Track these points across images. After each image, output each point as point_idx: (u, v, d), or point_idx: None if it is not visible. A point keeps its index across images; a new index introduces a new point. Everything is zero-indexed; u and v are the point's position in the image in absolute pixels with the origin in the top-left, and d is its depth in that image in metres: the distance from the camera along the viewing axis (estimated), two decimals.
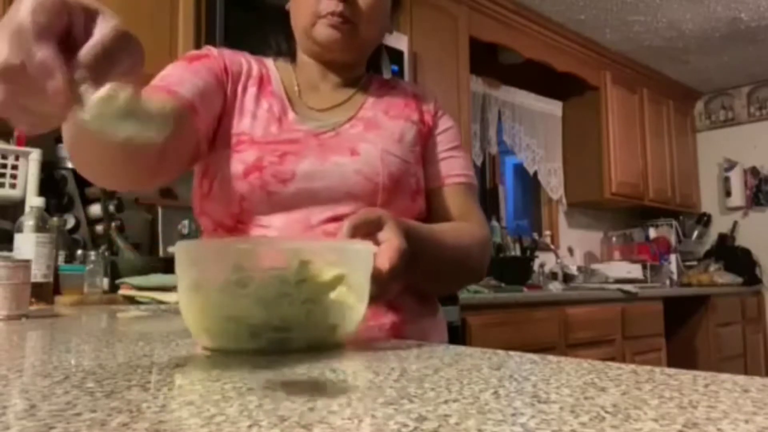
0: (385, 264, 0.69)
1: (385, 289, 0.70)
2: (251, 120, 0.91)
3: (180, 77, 0.87)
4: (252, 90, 0.94)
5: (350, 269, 0.60)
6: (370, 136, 0.93)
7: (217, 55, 0.95)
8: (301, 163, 0.88)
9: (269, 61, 1.00)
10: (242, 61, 0.97)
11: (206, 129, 0.88)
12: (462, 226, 0.95)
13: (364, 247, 0.64)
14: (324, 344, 0.60)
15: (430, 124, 1.00)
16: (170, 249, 0.66)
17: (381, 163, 0.89)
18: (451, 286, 1.01)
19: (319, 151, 0.89)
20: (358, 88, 0.99)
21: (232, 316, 0.57)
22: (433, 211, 0.97)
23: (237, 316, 0.57)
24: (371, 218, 0.74)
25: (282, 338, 0.58)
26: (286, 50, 1.00)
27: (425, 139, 0.99)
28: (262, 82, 0.96)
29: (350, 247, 0.65)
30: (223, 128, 0.91)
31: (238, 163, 0.87)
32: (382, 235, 0.73)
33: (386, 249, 0.70)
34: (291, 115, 0.93)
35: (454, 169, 0.99)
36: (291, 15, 0.96)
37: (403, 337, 0.86)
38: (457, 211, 0.96)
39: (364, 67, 1.02)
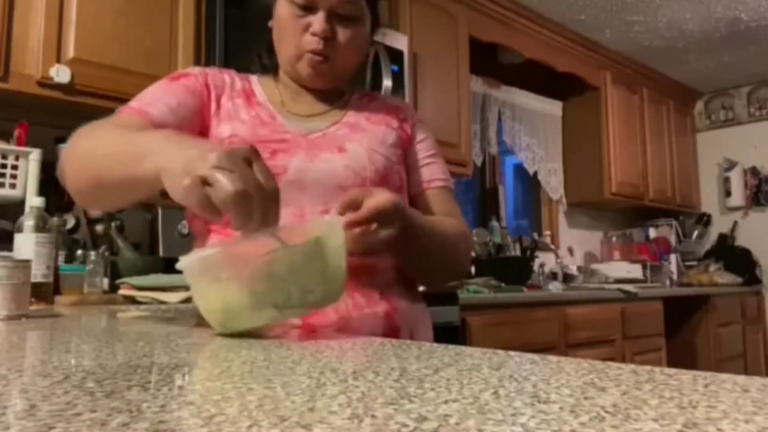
0: (374, 202, 0.79)
1: (382, 235, 0.81)
2: (240, 124, 0.96)
3: (155, 97, 0.94)
4: (239, 101, 0.99)
5: (325, 236, 0.71)
6: (356, 137, 0.98)
7: (198, 73, 1.01)
8: (291, 159, 0.93)
9: (253, 78, 1.05)
10: (225, 77, 1.03)
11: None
12: (448, 220, 1.03)
13: (332, 218, 0.76)
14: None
15: (408, 132, 1.07)
16: (177, 266, 0.70)
17: (368, 160, 0.95)
18: (437, 273, 1.05)
19: (308, 149, 0.95)
20: (340, 101, 1.05)
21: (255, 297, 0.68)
22: None
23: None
24: (356, 196, 0.81)
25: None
26: (269, 64, 1.05)
27: (405, 144, 1.05)
28: (247, 95, 1.01)
29: (319, 222, 0.78)
30: (212, 135, 0.97)
31: None
32: (370, 199, 0.81)
33: (374, 200, 0.80)
34: (279, 118, 0.99)
35: (434, 174, 1.07)
36: (274, 36, 1.00)
37: (395, 325, 0.93)
38: (441, 212, 1.04)
39: (344, 85, 1.07)
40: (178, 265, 0.70)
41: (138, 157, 0.70)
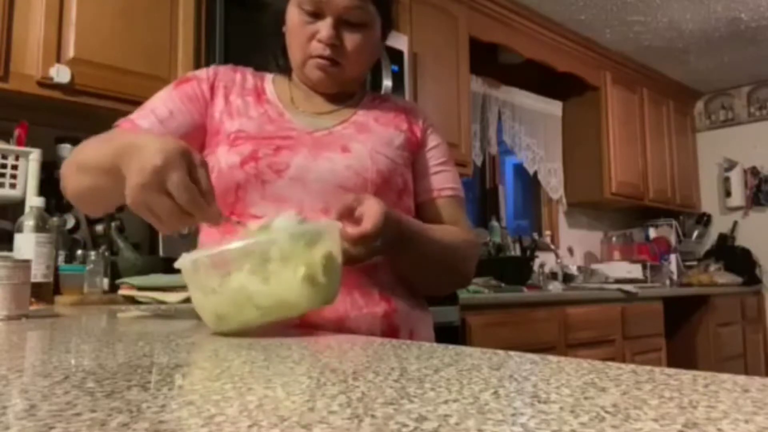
0: (367, 224, 0.79)
1: (370, 247, 0.82)
2: (247, 120, 0.97)
3: (150, 108, 0.98)
4: (249, 99, 1.00)
5: (323, 244, 0.73)
6: (361, 137, 0.98)
7: (205, 77, 1.02)
8: (295, 157, 0.93)
9: (268, 76, 1.06)
10: (237, 75, 1.04)
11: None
12: (451, 228, 1.02)
13: (331, 222, 0.77)
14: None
15: (419, 137, 1.06)
16: (176, 265, 0.73)
17: (370, 160, 0.95)
18: (439, 282, 1.05)
19: (312, 147, 0.95)
20: (350, 101, 1.05)
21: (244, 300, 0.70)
22: (427, 221, 1.03)
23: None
24: (349, 201, 0.83)
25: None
26: (284, 65, 1.06)
27: (414, 148, 1.05)
28: (258, 92, 1.02)
29: (318, 224, 0.79)
30: (217, 130, 0.98)
31: (234, 155, 0.92)
32: (361, 208, 0.82)
33: (366, 213, 0.81)
34: (287, 115, 0.99)
35: (444, 183, 1.06)
36: (287, 41, 1.01)
37: (394, 326, 0.92)
38: (449, 221, 1.04)
39: (356, 87, 1.08)
40: (176, 264, 0.73)
41: (112, 157, 0.77)
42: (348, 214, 0.82)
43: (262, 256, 0.70)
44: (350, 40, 0.95)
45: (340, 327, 0.85)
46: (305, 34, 0.95)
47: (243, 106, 0.99)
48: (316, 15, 0.94)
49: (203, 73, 1.03)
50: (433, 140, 1.08)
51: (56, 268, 1.52)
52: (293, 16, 0.96)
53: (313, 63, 0.96)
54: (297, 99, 1.02)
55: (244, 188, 0.91)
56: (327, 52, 0.94)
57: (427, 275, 0.99)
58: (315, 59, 0.96)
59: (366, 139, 0.97)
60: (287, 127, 0.97)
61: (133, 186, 0.67)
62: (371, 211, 0.81)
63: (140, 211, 0.69)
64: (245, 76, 1.04)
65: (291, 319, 0.78)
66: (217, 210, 0.71)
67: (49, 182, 1.80)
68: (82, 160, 0.88)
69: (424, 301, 1.04)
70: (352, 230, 0.80)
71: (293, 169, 0.92)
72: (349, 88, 1.04)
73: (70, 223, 1.82)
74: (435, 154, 1.07)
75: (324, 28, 0.93)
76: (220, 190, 0.91)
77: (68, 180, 0.93)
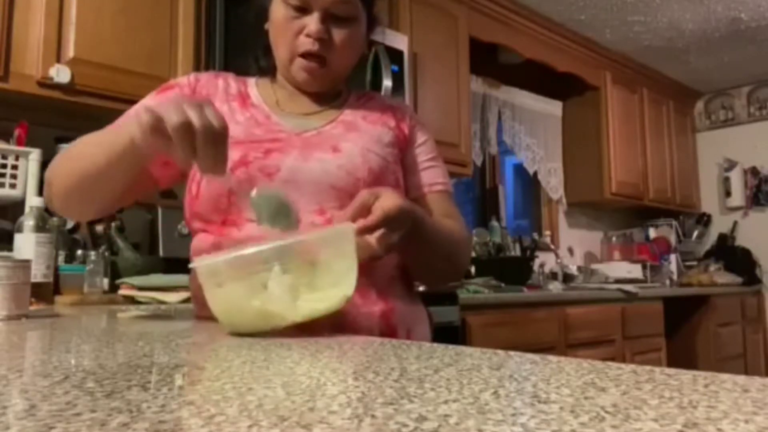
0: (372, 216, 0.78)
1: (385, 241, 0.80)
2: (234, 125, 0.95)
3: (133, 116, 0.97)
4: (234, 104, 1.00)
5: (336, 251, 0.73)
6: (351, 136, 0.98)
7: (187, 84, 1.02)
8: (285, 159, 0.92)
9: (250, 80, 1.06)
10: (219, 82, 1.03)
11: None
12: (452, 223, 1.03)
13: (344, 227, 0.76)
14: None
15: (406, 133, 1.06)
16: (191, 265, 0.75)
17: (362, 159, 0.94)
18: (441, 274, 1.05)
19: (302, 148, 0.94)
20: (336, 101, 1.05)
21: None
22: None
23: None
24: (365, 200, 0.80)
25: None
26: (266, 66, 1.05)
27: (402, 145, 1.05)
28: (242, 97, 1.02)
29: (332, 230, 0.77)
30: None
31: None
32: (378, 203, 0.80)
33: (383, 205, 0.79)
34: (274, 117, 0.99)
35: (434, 178, 1.06)
36: (270, 38, 1.01)
37: (392, 324, 0.92)
38: (442, 216, 1.04)
39: (342, 84, 1.08)
40: (192, 265, 0.74)
41: (112, 138, 0.81)
42: (365, 212, 0.80)
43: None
44: (338, 34, 0.95)
45: (337, 326, 0.85)
46: (292, 30, 0.94)
47: (229, 112, 0.98)
48: (303, 10, 0.93)
49: (185, 80, 1.03)
50: (420, 136, 1.08)
51: (56, 268, 1.53)
52: (278, 11, 0.95)
53: (300, 63, 0.96)
54: (282, 101, 1.02)
55: (236, 193, 0.90)
56: (315, 47, 0.93)
57: (431, 265, 0.99)
58: (302, 59, 0.95)
59: (356, 138, 0.97)
60: (275, 129, 0.96)
61: (177, 99, 0.71)
62: (390, 201, 0.80)
63: (172, 117, 0.69)
64: (228, 81, 1.03)
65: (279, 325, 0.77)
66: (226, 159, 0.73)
67: None
68: (77, 150, 0.89)
69: (419, 299, 1.05)
70: (374, 213, 0.79)
71: (284, 172, 0.91)
72: (334, 86, 1.04)
73: (70, 223, 1.82)
74: (423, 150, 1.07)
75: (312, 22, 0.92)
76: (212, 196, 0.91)
77: (59, 173, 0.92)
